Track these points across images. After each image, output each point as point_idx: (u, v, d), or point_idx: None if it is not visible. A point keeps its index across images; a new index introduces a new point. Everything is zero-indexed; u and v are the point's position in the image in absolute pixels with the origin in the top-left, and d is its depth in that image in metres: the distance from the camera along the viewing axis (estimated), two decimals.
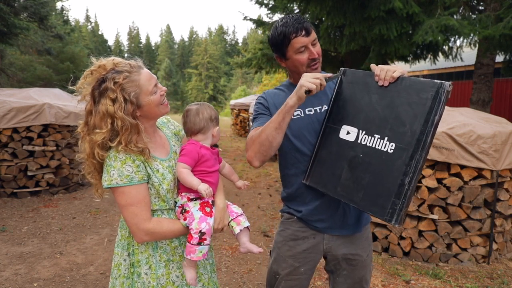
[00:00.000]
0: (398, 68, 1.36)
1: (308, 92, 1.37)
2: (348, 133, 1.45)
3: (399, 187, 1.25)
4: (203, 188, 1.37)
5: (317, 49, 1.57)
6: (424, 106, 1.25)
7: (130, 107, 1.30)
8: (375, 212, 1.31)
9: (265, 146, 1.47)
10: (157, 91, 1.37)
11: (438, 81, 1.23)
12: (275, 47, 1.61)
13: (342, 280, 1.68)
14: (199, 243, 1.37)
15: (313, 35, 1.55)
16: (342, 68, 1.57)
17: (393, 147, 1.30)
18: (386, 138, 1.33)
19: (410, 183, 1.24)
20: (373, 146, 1.36)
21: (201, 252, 1.38)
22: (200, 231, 1.37)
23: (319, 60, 1.59)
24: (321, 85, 1.39)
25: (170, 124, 1.62)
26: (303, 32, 1.52)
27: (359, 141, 1.41)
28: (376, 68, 1.41)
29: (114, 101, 1.28)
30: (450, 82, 1.23)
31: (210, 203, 1.47)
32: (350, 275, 1.67)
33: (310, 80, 1.38)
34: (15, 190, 5.60)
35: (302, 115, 1.61)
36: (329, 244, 1.63)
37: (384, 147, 1.33)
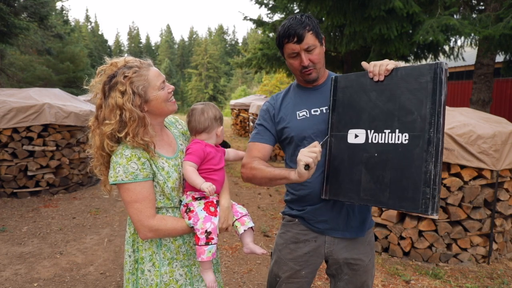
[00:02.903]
0: (391, 61, 1.35)
1: (307, 166, 1.30)
2: (356, 136, 1.42)
3: (425, 174, 1.22)
4: (206, 186, 1.38)
5: (312, 56, 1.52)
6: (426, 89, 1.24)
7: (138, 99, 1.35)
8: (407, 207, 1.26)
9: (255, 179, 1.59)
10: (165, 87, 1.43)
11: (433, 62, 1.22)
12: (277, 45, 1.63)
13: (343, 285, 1.66)
14: (206, 243, 1.38)
15: (308, 41, 1.48)
16: (332, 77, 1.55)
17: (406, 137, 1.27)
18: (397, 131, 1.30)
19: (435, 168, 1.20)
20: (386, 141, 1.32)
21: (210, 252, 1.39)
22: (206, 230, 1.38)
23: (313, 67, 1.54)
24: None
25: (178, 123, 1.67)
26: (295, 39, 1.48)
27: (370, 141, 1.37)
28: (368, 66, 1.40)
29: (123, 93, 1.34)
30: (445, 61, 1.23)
31: (215, 202, 1.48)
32: (351, 279, 1.64)
33: (306, 154, 1.31)
34: (15, 190, 5.60)
35: (308, 115, 1.59)
36: (330, 248, 1.61)
37: (398, 140, 1.30)
